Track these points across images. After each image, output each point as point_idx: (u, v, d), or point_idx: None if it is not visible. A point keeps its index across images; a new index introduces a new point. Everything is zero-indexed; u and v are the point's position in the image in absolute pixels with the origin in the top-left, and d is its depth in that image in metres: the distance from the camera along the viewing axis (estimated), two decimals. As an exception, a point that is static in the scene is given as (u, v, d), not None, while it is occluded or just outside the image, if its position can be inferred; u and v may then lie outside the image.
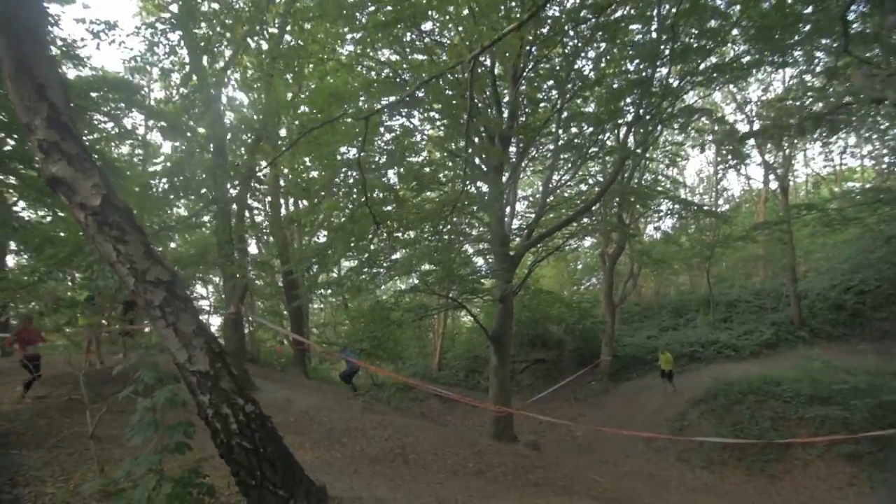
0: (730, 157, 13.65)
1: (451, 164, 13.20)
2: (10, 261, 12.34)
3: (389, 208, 8.12)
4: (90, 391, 4.91)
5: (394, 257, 10.32)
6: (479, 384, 18.82)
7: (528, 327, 19.47)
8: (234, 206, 8.72)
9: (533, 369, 19.49)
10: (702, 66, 11.86)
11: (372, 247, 8.92)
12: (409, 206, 8.79)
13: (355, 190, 6.36)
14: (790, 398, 12.71)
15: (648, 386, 16.74)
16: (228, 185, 8.01)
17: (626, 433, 10.52)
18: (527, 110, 13.39)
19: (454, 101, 9.36)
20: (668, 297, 27.96)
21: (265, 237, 14.69)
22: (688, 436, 12.67)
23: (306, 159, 10.04)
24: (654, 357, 18.11)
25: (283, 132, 11.83)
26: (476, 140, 12.26)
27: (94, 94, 7.63)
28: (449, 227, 10.93)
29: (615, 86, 12.21)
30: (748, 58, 11.27)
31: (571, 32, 11.76)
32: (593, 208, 15.14)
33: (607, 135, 14.00)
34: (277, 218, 11.76)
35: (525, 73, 12.26)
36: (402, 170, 11.34)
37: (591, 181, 15.44)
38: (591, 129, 13.46)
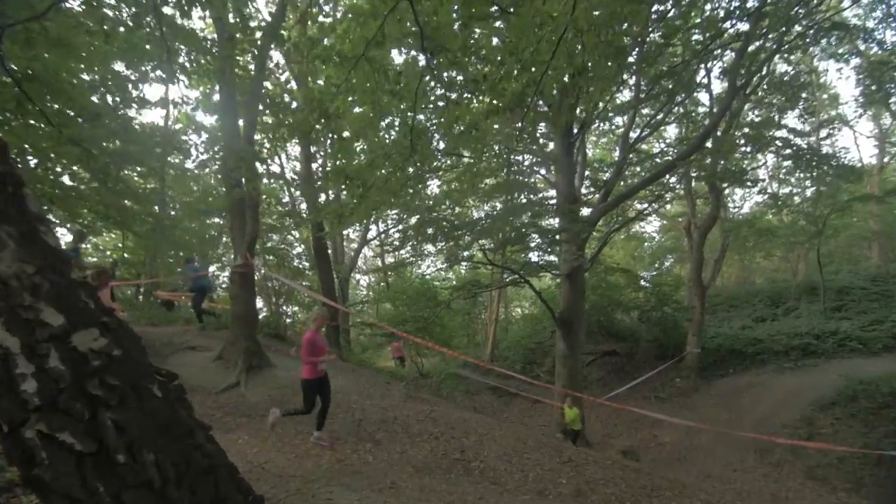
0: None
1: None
2: None
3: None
4: None
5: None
6: (539, 377, 16.37)
7: (597, 314, 16.79)
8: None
9: (602, 362, 16.80)
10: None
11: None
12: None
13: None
14: (970, 403, 9.54)
15: (752, 384, 13.70)
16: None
17: (781, 442, 7.91)
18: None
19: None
20: (753, 284, 24.21)
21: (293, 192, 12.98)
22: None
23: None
24: (756, 350, 14.99)
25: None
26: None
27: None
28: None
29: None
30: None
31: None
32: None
33: (703, 68, 11.25)
34: (309, 171, 10.00)
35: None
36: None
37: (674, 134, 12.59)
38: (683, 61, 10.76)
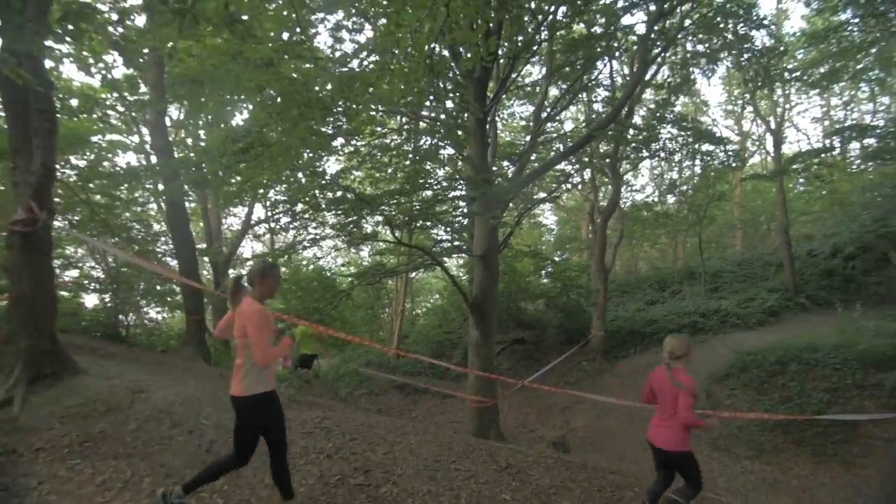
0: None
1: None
2: None
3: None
4: None
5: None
6: (448, 371, 15.38)
7: (505, 300, 16.26)
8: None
9: (511, 350, 16.32)
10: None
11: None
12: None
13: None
14: (839, 365, 10.40)
15: (652, 363, 13.85)
16: None
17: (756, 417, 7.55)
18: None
19: None
20: (638, 271, 26.05)
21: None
22: (720, 419, 9.97)
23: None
24: (652, 330, 15.56)
25: None
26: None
27: None
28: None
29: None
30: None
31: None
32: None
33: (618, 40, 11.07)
34: (162, 115, 7.64)
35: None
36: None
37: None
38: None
